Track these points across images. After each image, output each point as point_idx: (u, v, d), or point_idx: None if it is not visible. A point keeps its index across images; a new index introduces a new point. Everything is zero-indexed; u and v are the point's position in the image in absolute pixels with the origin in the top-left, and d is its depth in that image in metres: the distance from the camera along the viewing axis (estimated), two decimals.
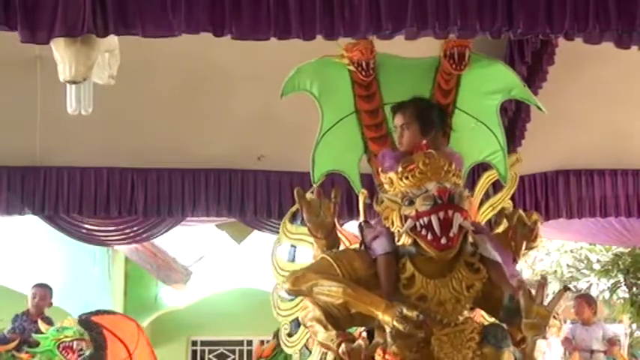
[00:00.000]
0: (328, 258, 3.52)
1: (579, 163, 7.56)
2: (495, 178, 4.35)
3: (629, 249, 12.23)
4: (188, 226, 8.77)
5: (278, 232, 8.15)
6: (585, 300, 8.96)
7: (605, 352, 8.48)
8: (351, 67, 4.05)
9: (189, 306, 12.75)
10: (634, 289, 12.96)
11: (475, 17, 3.61)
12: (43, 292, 8.18)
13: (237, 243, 9.66)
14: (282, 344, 4.56)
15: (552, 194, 7.45)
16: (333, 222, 3.76)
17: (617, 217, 7.83)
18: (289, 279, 3.51)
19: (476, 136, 4.10)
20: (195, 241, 11.58)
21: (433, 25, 3.58)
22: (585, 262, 13.42)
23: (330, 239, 3.75)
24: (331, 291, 3.35)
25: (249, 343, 12.93)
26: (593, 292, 12.41)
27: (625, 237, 8.79)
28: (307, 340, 4.21)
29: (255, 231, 8.48)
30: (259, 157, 7.17)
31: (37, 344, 7.29)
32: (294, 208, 4.34)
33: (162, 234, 8.30)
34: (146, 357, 6.85)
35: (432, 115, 3.74)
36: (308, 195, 3.77)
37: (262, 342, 8.95)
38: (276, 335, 8.06)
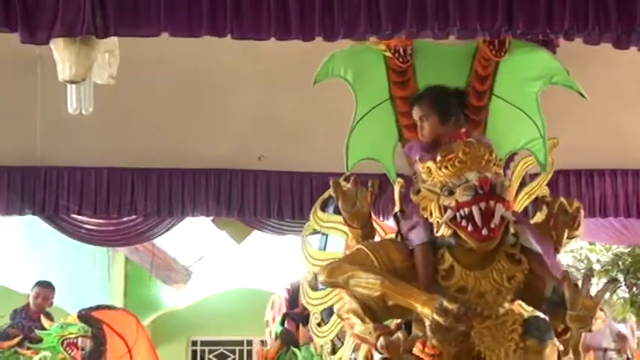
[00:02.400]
0: (365, 249, 3.45)
1: (579, 163, 7.56)
2: (532, 165, 4.29)
3: (629, 249, 12.22)
4: (187, 221, 8.73)
5: (278, 232, 8.22)
6: None
7: (619, 351, 8.42)
8: (388, 54, 3.99)
9: (189, 306, 12.73)
10: (634, 289, 12.94)
11: (475, 17, 3.61)
12: (46, 292, 8.16)
13: (237, 243, 9.65)
14: (312, 334, 4.49)
15: (552, 194, 7.44)
16: (369, 212, 3.70)
17: (617, 217, 7.83)
18: (325, 270, 3.44)
19: (514, 123, 4.03)
20: (195, 241, 11.57)
21: (432, 25, 3.58)
22: (585, 262, 13.40)
23: (365, 229, 3.69)
24: (369, 283, 3.28)
25: (249, 343, 12.92)
26: (593, 292, 12.38)
27: (625, 236, 8.77)
28: (339, 330, 4.16)
29: (255, 231, 8.47)
30: (259, 158, 7.17)
31: (39, 340, 7.28)
32: (325, 195, 4.27)
33: (162, 234, 8.29)
34: (145, 351, 6.85)
35: (449, 102, 3.67)
36: (343, 184, 3.71)
37: (263, 342, 8.92)
38: (280, 336, 8.06)
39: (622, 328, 8.93)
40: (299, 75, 6.15)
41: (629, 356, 8.52)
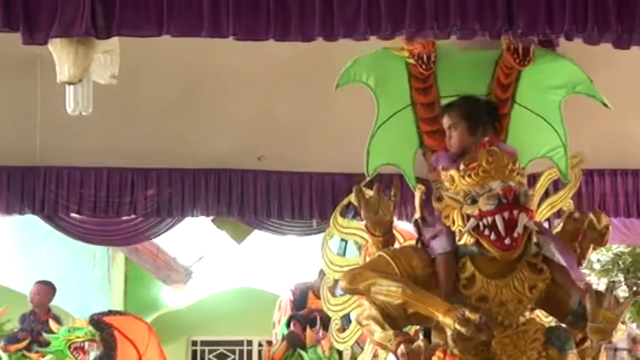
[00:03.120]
0: (386, 256, 3.46)
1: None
2: (556, 177, 4.28)
3: (629, 248, 12.23)
4: (187, 220, 8.73)
5: (278, 232, 8.22)
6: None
7: (629, 351, 8.41)
8: (411, 60, 3.99)
9: (190, 306, 12.74)
10: (634, 288, 12.95)
11: (475, 17, 3.59)
12: (45, 289, 8.16)
13: (237, 243, 9.65)
14: (332, 340, 4.51)
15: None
16: (391, 220, 3.73)
17: (617, 217, 7.82)
18: (346, 277, 3.45)
19: (535, 131, 4.03)
20: (195, 241, 11.58)
21: (432, 25, 3.56)
22: (585, 261, 13.41)
23: (387, 237, 3.70)
24: (390, 291, 3.29)
25: (249, 343, 12.92)
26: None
27: (625, 235, 8.77)
28: (359, 336, 4.17)
29: (256, 231, 8.47)
30: (259, 157, 7.17)
31: (48, 344, 7.29)
32: (345, 202, 4.30)
33: (162, 233, 8.30)
34: (156, 358, 6.83)
35: (480, 114, 3.67)
36: (367, 192, 3.70)
37: (270, 342, 8.92)
38: (286, 338, 8.05)
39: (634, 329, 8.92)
40: (299, 75, 6.19)
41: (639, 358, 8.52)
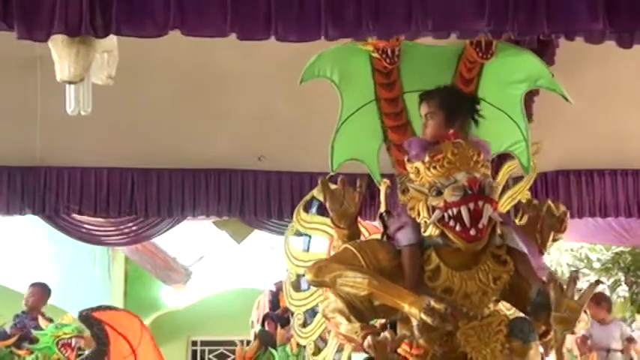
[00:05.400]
0: (352, 248, 3.44)
1: (579, 163, 7.55)
2: (515, 169, 4.29)
3: (629, 248, 12.24)
4: (187, 221, 8.74)
5: (278, 232, 8.21)
6: (594, 300, 8.81)
7: (622, 351, 8.39)
8: (375, 54, 3.98)
9: (189, 306, 12.75)
10: (634, 287, 12.96)
11: (475, 17, 3.59)
12: (40, 291, 8.14)
13: (237, 243, 9.66)
14: (295, 335, 4.49)
15: (552, 194, 7.43)
16: (356, 212, 3.69)
17: (617, 217, 7.82)
18: (312, 269, 3.43)
19: (497, 126, 4.02)
20: (195, 241, 11.58)
21: (434, 25, 3.56)
22: (585, 260, 13.42)
23: (352, 230, 3.68)
24: (356, 282, 3.28)
25: (249, 343, 12.92)
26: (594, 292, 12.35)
27: (624, 237, 8.77)
28: (322, 331, 4.16)
29: (256, 231, 8.48)
30: (259, 157, 7.17)
31: (37, 340, 7.28)
32: (308, 197, 4.28)
33: (162, 233, 8.30)
34: (150, 353, 6.82)
35: (459, 105, 3.64)
36: (331, 185, 3.70)
37: (242, 342, 8.94)
38: (258, 336, 8.09)
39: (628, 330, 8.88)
40: (299, 75, 6.18)
41: (632, 357, 8.48)
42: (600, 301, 8.43)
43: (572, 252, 13.51)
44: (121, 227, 8.17)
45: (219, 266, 12.54)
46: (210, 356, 13.27)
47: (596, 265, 13.35)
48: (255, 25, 3.48)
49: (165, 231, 8.16)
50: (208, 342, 13.23)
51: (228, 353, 13.21)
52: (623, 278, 13.08)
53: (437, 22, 3.51)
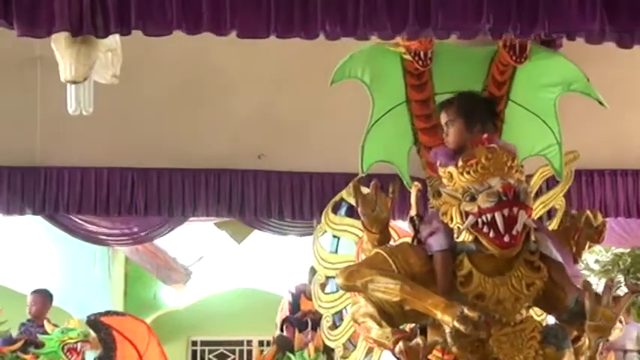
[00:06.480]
0: (383, 253, 3.42)
1: (579, 163, 7.52)
2: (549, 175, 4.25)
3: (629, 249, 12.23)
4: (188, 223, 8.75)
5: (279, 232, 8.21)
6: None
7: (638, 352, 8.39)
8: (408, 57, 3.96)
9: (189, 306, 12.75)
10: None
11: (476, 17, 3.58)
12: (41, 299, 8.13)
13: (237, 243, 9.66)
14: (323, 337, 4.46)
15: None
16: (388, 217, 3.64)
17: (617, 217, 7.82)
18: (343, 274, 3.40)
19: (530, 129, 4.01)
20: (195, 241, 11.58)
21: (435, 24, 3.56)
22: (584, 262, 13.40)
23: (383, 234, 3.64)
24: (388, 288, 3.25)
25: (249, 343, 12.92)
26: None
27: (624, 238, 8.78)
28: (352, 334, 4.14)
29: (256, 231, 8.48)
30: (259, 156, 7.17)
31: (43, 345, 7.28)
32: (337, 198, 4.26)
33: (163, 235, 8.31)
34: (157, 358, 6.81)
35: (477, 110, 3.61)
36: (363, 188, 3.67)
37: (261, 343, 8.90)
38: (276, 341, 8.07)
39: None
40: (299, 75, 6.20)
41: None
42: None
43: None
44: (121, 227, 8.18)
45: (219, 266, 12.53)
46: (210, 356, 13.28)
47: (596, 266, 13.33)
48: (257, 23, 3.47)
49: (166, 233, 8.18)
50: (208, 342, 13.24)
51: (228, 353, 13.23)
52: (622, 280, 13.06)
53: (437, 21, 3.51)
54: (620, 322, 3.32)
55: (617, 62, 5.92)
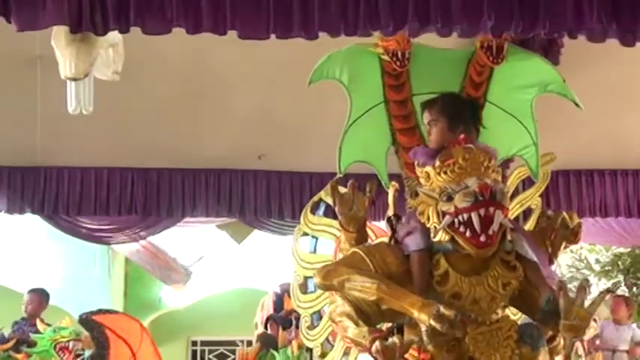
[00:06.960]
0: (360, 252, 3.42)
1: (579, 163, 7.55)
2: (526, 175, 4.27)
3: (629, 249, 12.24)
4: (188, 227, 8.77)
5: (279, 232, 8.21)
6: (625, 300, 8.84)
7: (627, 352, 8.40)
8: (385, 57, 3.98)
9: (189, 306, 12.74)
10: (634, 289, 12.94)
11: (476, 16, 3.58)
12: (38, 298, 8.12)
13: (237, 243, 9.66)
14: (302, 337, 4.48)
15: (552, 194, 7.44)
16: (365, 216, 3.66)
17: (617, 217, 7.83)
18: (320, 273, 3.40)
19: (507, 130, 4.01)
20: (195, 241, 11.58)
21: (435, 22, 3.56)
22: (585, 262, 13.41)
23: (360, 233, 3.65)
24: (364, 287, 3.26)
25: (249, 343, 12.90)
26: (593, 293, 12.36)
27: (624, 238, 8.79)
28: (329, 333, 4.14)
29: (256, 231, 8.48)
30: (259, 156, 7.17)
31: (35, 344, 7.27)
32: (315, 198, 4.26)
33: (161, 231, 8.30)
34: (150, 357, 6.81)
35: (461, 111, 3.62)
36: (341, 188, 3.68)
37: (243, 342, 8.91)
38: (260, 338, 8.09)
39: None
40: (299, 75, 6.16)
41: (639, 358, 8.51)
42: (629, 304, 8.56)
43: (572, 253, 13.48)
44: (121, 227, 8.18)
45: (219, 266, 12.53)
46: (210, 356, 13.27)
47: (596, 267, 13.33)
48: (257, 23, 3.47)
49: (165, 229, 8.19)
50: (208, 342, 13.23)
51: (228, 353, 13.21)
52: (622, 280, 13.06)
53: (438, 20, 3.51)
54: (595, 321, 3.32)
55: (617, 62, 5.93)
